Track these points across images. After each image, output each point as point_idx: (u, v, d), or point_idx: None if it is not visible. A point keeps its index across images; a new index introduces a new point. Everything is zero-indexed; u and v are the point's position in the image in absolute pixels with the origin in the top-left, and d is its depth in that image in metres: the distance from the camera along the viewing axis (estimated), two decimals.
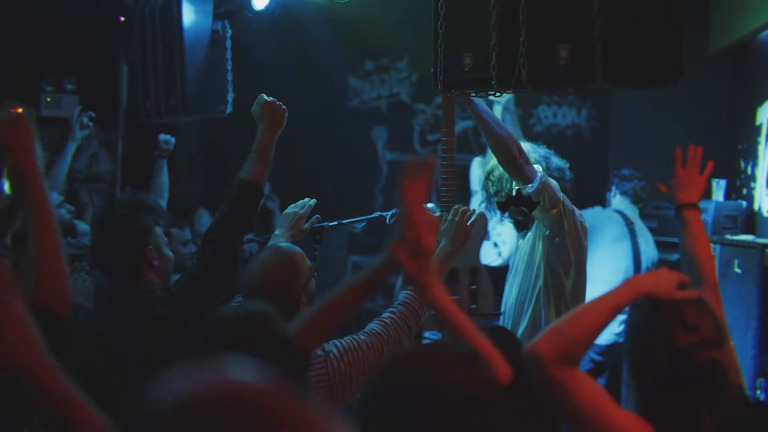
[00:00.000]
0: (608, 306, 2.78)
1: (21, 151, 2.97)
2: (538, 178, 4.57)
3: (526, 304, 4.99)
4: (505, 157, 4.54)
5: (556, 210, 4.69)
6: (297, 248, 3.94)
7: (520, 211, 4.81)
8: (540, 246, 4.91)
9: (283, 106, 4.22)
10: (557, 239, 4.77)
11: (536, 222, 4.90)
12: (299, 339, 2.75)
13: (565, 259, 4.83)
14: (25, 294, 2.11)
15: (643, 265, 7.12)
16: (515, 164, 4.53)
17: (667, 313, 2.83)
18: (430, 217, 2.67)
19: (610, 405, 2.74)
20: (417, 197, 2.64)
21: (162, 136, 7.02)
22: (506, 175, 4.87)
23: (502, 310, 5.22)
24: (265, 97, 4.23)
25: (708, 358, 2.75)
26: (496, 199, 4.98)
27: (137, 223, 3.92)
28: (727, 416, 2.83)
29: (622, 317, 6.43)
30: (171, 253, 4.03)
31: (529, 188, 4.55)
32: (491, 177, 5.07)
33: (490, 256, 7.34)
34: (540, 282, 4.93)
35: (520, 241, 5.22)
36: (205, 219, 7.80)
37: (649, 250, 7.26)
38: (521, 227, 5.15)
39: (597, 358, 7.03)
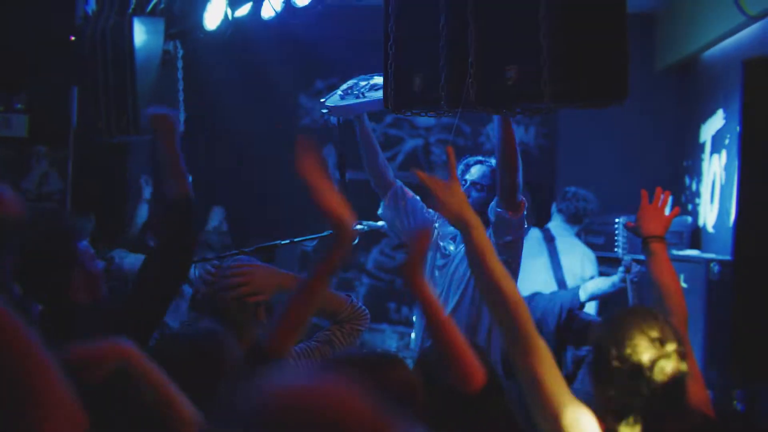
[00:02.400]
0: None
1: None
2: (524, 215, 4.75)
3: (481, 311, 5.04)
4: (514, 179, 4.63)
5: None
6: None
7: None
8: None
9: (167, 111, 3.95)
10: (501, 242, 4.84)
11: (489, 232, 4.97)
12: (273, 343, 2.79)
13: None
14: None
15: (568, 282, 7.12)
16: (516, 188, 4.65)
17: (631, 328, 2.89)
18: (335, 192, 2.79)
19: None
20: (317, 173, 2.77)
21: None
22: None
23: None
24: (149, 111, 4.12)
25: (672, 368, 2.82)
26: None
27: (57, 244, 3.84)
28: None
29: None
30: (99, 264, 3.94)
31: (508, 216, 4.70)
32: None
33: None
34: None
35: (451, 246, 5.26)
36: (217, 216, 7.81)
37: (574, 266, 7.18)
38: None
39: None
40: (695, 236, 7.64)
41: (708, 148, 7.54)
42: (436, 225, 5.26)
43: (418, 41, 4.05)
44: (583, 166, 8.57)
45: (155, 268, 3.79)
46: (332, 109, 5.29)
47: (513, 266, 4.90)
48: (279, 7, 5.38)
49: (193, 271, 5.89)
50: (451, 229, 5.20)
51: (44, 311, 3.84)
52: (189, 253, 3.95)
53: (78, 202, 8.24)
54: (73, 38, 7.19)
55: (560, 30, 3.42)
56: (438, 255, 5.28)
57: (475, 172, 5.15)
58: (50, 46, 7.70)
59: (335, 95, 5.33)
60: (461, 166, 5.26)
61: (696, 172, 7.89)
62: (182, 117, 6.51)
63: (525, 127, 9.36)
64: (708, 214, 7.45)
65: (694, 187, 7.94)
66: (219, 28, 5.98)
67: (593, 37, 3.44)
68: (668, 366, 2.82)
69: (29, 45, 7.76)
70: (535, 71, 3.45)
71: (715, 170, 7.30)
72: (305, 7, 5.18)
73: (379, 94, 5.08)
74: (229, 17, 5.89)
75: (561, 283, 7.03)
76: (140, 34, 6.40)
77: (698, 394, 3.19)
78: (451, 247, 5.26)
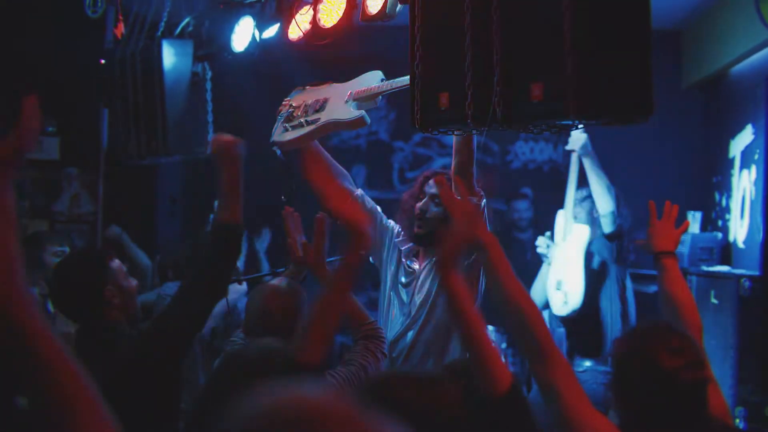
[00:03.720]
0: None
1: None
2: (483, 204, 4.71)
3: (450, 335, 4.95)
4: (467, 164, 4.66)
5: None
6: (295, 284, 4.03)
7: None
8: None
9: (232, 137, 4.00)
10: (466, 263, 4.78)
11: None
12: (304, 355, 2.80)
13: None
14: None
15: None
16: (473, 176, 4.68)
17: (651, 339, 2.95)
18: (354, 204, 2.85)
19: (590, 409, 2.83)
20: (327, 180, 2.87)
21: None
22: None
23: (392, 338, 5.04)
24: (213, 136, 4.14)
25: (694, 377, 2.87)
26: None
27: (90, 267, 3.88)
28: None
29: None
30: (133, 282, 3.98)
31: (475, 201, 4.62)
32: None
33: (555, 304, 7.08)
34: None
35: (415, 265, 5.18)
36: (266, 237, 7.84)
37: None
38: (430, 245, 5.06)
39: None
40: (725, 252, 7.61)
41: (737, 163, 7.52)
42: (396, 240, 5.24)
43: (444, 60, 4.07)
44: (612, 184, 8.56)
45: (193, 291, 3.82)
46: (283, 145, 5.19)
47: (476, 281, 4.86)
48: (306, 29, 5.41)
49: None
50: (411, 245, 5.18)
51: (80, 330, 3.89)
52: (227, 277, 3.98)
53: (109, 223, 8.30)
54: (103, 61, 7.26)
55: (584, 47, 3.43)
56: (401, 271, 5.20)
57: (433, 184, 5.05)
58: (81, 69, 7.78)
59: (278, 128, 5.24)
60: (420, 179, 5.25)
61: (726, 188, 7.86)
62: (211, 139, 6.55)
63: (554, 144, 9.37)
64: (738, 230, 7.42)
65: (723, 202, 7.92)
66: (247, 49, 6.03)
67: (617, 54, 3.45)
68: (690, 374, 2.86)
69: (60, 69, 7.84)
70: (559, 88, 3.46)
71: (745, 185, 7.28)
72: (332, 28, 5.20)
73: (323, 115, 5.05)
74: (257, 39, 5.93)
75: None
76: (169, 56, 6.47)
77: (717, 403, 3.21)
78: (415, 265, 5.17)
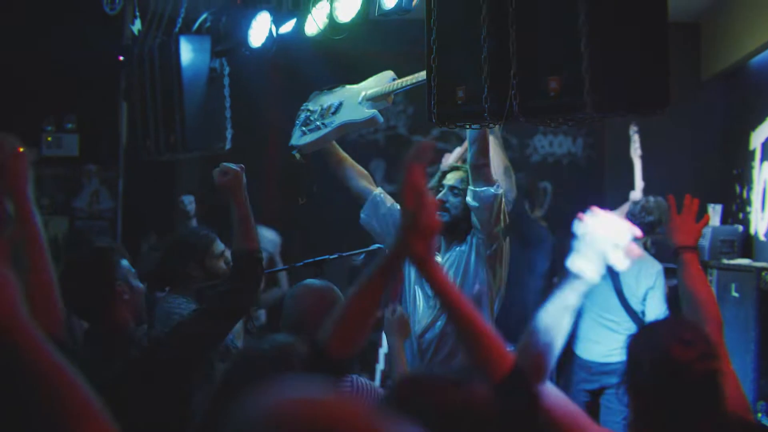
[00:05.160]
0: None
1: (13, 176, 3.10)
2: (498, 185, 4.75)
3: None
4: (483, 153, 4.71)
5: (499, 227, 4.84)
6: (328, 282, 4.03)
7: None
8: (475, 264, 4.98)
9: (233, 166, 4.14)
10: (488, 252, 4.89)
11: (473, 240, 4.97)
12: (331, 347, 2.75)
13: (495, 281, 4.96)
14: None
15: (626, 294, 7.02)
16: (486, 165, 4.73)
17: (664, 333, 2.97)
18: (432, 198, 2.71)
19: (586, 421, 2.82)
20: (420, 179, 2.69)
21: (183, 197, 7.14)
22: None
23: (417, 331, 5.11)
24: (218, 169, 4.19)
25: (706, 369, 2.87)
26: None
27: (102, 260, 3.90)
28: None
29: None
30: (141, 285, 3.98)
31: (491, 189, 4.72)
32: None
33: None
34: (484, 303, 4.98)
35: (438, 257, 5.16)
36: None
37: (630, 279, 7.05)
38: (452, 235, 5.12)
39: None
40: (746, 245, 7.57)
41: (758, 155, 7.48)
42: None
43: (460, 54, 4.06)
44: (632, 177, 8.53)
45: (214, 313, 3.85)
46: (301, 148, 5.33)
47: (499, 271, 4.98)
48: (322, 24, 5.41)
49: None
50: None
51: (89, 330, 3.89)
52: (249, 302, 4.01)
53: (129, 219, 8.34)
54: (121, 58, 7.28)
55: (601, 40, 3.42)
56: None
57: (451, 177, 5.13)
58: (99, 66, 7.81)
59: (296, 133, 5.39)
60: (437, 175, 5.27)
61: (746, 180, 7.82)
62: (229, 134, 6.57)
63: (573, 138, 9.35)
64: (759, 222, 7.39)
65: (744, 195, 7.88)
66: (264, 45, 6.02)
67: (634, 46, 3.44)
68: (702, 366, 2.87)
69: (79, 66, 7.87)
70: (576, 82, 3.45)
71: (766, 178, 7.25)
72: (349, 23, 5.20)
73: (338, 117, 5.18)
74: (274, 34, 5.93)
75: (619, 293, 6.89)
76: (187, 52, 6.47)
77: (737, 398, 3.20)
78: (438, 257, 5.15)
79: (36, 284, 2.99)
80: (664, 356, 2.88)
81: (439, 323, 5.05)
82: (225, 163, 4.16)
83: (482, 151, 4.69)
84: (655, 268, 6.76)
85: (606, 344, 6.54)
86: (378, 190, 5.35)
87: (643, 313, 6.63)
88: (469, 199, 4.86)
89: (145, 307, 4.01)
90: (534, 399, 2.80)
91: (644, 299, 6.65)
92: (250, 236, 3.97)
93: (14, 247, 3.05)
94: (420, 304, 5.16)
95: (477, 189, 4.80)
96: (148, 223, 8.29)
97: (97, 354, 3.70)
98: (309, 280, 4.20)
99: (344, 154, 5.39)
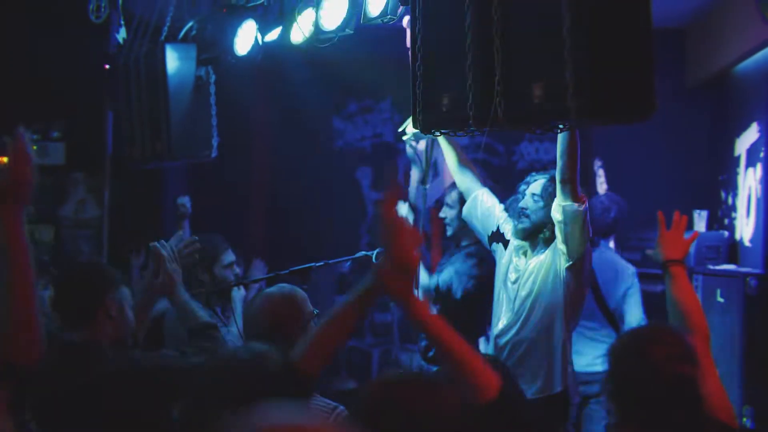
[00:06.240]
0: None
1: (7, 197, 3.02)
2: (585, 205, 4.90)
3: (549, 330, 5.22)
4: (575, 172, 4.84)
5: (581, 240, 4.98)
6: (299, 290, 4.02)
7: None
8: (554, 276, 5.12)
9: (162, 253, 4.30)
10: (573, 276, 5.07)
11: (554, 251, 5.12)
12: (302, 363, 2.80)
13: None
14: None
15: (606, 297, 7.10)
16: (577, 180, 4.86)
17: (643, 336, 3.12)
18: (412, 231, 2.71)
19: None
20: (394, 215, 2.70)
21: (179, 199, 7.13)
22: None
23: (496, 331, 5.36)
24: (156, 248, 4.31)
25: (680, 372, 2.95)
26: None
27: (103, 272, 3.95)
28: None
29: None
30: (132, 317, 4.01)
31: (575, 206, 4.86)
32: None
33: None
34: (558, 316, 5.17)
35: (517, 258, 5.36)
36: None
37: (607, 281, 7.14)
38: (533, 240, 5.31)
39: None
40: (732, 250, 7.59)
41: (743, 161, 7.51)
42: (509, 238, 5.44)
43: (445, 61, 4.07)
44: (618, 182, 8.54)
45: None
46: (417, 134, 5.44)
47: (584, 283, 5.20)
48: (308, 31, 5.42)
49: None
50: (518, 243, 5.36)
51: (74, 341, 3.89)
52: None
53: (115, 228, 8.31)
54: (107, 66, 7.27)
55: (585, 46, 3.43)
56: (511, 269, 5.38)
57: (535, 185, 5.32)
58: (85, 74, 7.79)
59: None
60: (521, 186, 5.42)
61: (732, 186, 7.84)
62: (215, 142, 6.57)
63: None
64: (744, 228, 7.41)
65: (730, 201, 7.90)
66: (250, 53, 6.02)
67: (618, 54, 3.44)
68: (678, 367, 2.95)
69: (65, 74, 7.85)
70: (561, 88, 3.46)
71: (751, 184, 7.26)
72: (334, 30, 5.20)
73: None
74: (260, 42, 5.93)
75: (599, 298, 6.96)
76: (173, 60, 6.47)
77: (721, 405, 3.24)
78: (521, 262, 5.36)
79: (18, 313, 2.93)
80: (642, 357, 2.97)
81: (514, 329, 5.27)
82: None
83: (571, 166, 4.78)
84: (630, 269, 6.95)
85: (588, 354, 6.55)
86: (481, 191, 5.61)
87: (621, 316, 6.69)
88: (555, 213, 4.97)
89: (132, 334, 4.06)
90: (520, 422, 2.84)
91: (623, 299, 6.75)
92: (196, 314, 4.19)
93: None
94: (503, 304, 5.38)
95: (563, 204, 4.89)
96: (135, 232, 8.27)
97: (70, 363, 3.71)
98: (269, 289, 4.19)
99: (464, 156, 5.72)
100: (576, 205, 4.85)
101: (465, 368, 2.75)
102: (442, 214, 6.42)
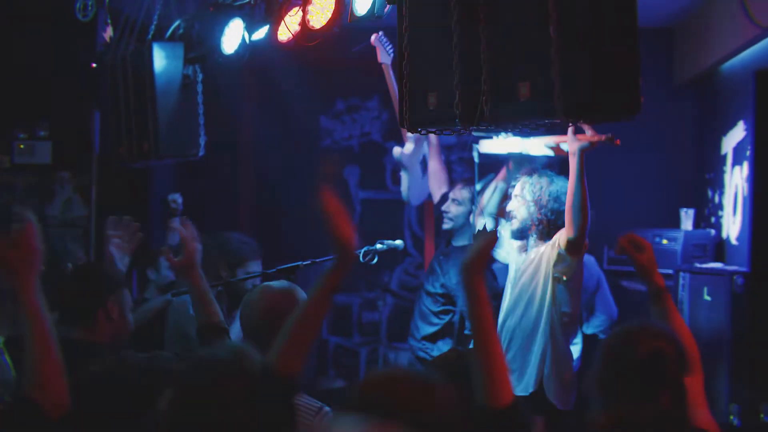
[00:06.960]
0: None
1: (20, 267, 3.07)
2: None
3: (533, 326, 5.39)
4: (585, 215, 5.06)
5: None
6: (296, 285, 4.02)
7: None
8: (545, 274, 5.30)
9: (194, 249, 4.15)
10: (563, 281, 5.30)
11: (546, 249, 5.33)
12: (279, 364, 2.81)
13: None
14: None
15: None
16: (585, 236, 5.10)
17: (632, 328, 3.18)
18: (346, 216, 2.86)
19: None
20: (332, 202, 2.86)
21: (170, 196, 7.12)
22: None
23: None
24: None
25: (657, 345, 3.06)
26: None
27: (107, 274, 3.97)
28: None
29: None
30: (132, 321, 4.04)
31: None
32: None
33: None
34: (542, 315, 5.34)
35: (518, 255, 5.55)
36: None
37: None
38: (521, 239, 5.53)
39: None
40: (719, 249, 7.61)
41: (729, 160, 7.52)
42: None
43: (431, 60, 4.08)
44: (605, 181, 8.56)
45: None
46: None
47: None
48: (295, 30, 5.41)
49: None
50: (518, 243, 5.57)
51: (76, 340, 3.90)
52: None
53: (102, 227, 8.29)
54: (94, 65, 7.25)
55: (571, 45, 3.44)
56: (515, 266, 5.56)
57: (527, 189, 5.56)
58: (72, 73, 7.78)
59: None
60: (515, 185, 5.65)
61: (718, 185, 7.86)
62: (202, 141, 6.56)
63: None
64: (731, 226, 7.43)
65: (716, 199, 7.92)
66: (237, 51, 6.02)
67: (604, 52, 3.46)
68: (657, 342, 3.07)
69: (51, 73, 7.84)
70: (547, 87, 3.47)
71: (737, 182, 7.28)
72: (321, 29, 5.20)
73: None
74: (247, 41, 5.92)
75: None
76: (160, 59, 6.46)
77: (702, 417, 3.27)
78: (521, 259, 5.54)
79: (44, 369, 2.98)
80: (634, 349, 3.06)
81: (508, 322, 5.44)
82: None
83: (582, 225, 5.09)
84: (596, 265, 7.23)
85: None
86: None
87: (592, 308, 6.92)
88: (557, 247, 5.25)
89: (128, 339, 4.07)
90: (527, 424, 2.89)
91: (595, 292, 6.97)
92: (211, 310, 4.02)
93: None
94: (506, 302, 5.52)
95: (568, 255, 5.22)
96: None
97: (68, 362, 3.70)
98: (268, 283, 4.21)
99: None
100: (578, 258, 5.19)
101: (491, 367, 2.81)
102: (445, 208, 6.43)
